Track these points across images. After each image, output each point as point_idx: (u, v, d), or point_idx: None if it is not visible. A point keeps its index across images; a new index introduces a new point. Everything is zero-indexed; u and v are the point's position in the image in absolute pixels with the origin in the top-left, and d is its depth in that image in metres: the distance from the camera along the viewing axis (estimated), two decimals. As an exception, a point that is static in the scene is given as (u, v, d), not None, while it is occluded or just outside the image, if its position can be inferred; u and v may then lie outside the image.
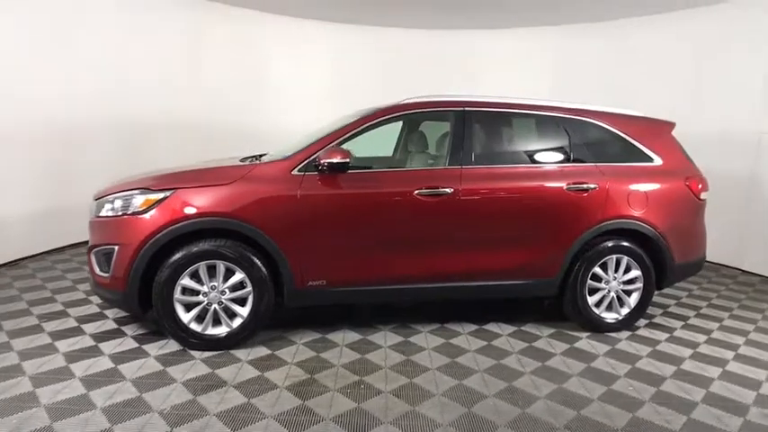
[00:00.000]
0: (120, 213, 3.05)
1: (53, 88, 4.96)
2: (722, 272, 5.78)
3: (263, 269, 3.14)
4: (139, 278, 3.00)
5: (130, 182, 3.21)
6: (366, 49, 7.33)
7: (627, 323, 3.80)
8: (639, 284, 3.75)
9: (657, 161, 3.82)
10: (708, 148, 5.22)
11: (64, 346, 3.16)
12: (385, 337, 3.51)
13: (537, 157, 3.68)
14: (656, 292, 3.94)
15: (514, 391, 2.86)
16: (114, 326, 3.50)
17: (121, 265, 3.00)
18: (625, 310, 3.77)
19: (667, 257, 3.76)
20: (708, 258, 6.08)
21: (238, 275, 3.12)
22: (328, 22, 7.08)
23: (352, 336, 3.51)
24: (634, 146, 3.79)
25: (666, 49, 6.23)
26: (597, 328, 3.74)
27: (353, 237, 3.28)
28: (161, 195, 3.02)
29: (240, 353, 3.18)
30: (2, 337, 3.23)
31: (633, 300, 3.77)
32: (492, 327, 3.79)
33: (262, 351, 3.22)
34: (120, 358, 3.03)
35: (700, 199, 3.89)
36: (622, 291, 3.75)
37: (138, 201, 3.02)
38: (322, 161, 3.15)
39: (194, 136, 6.36)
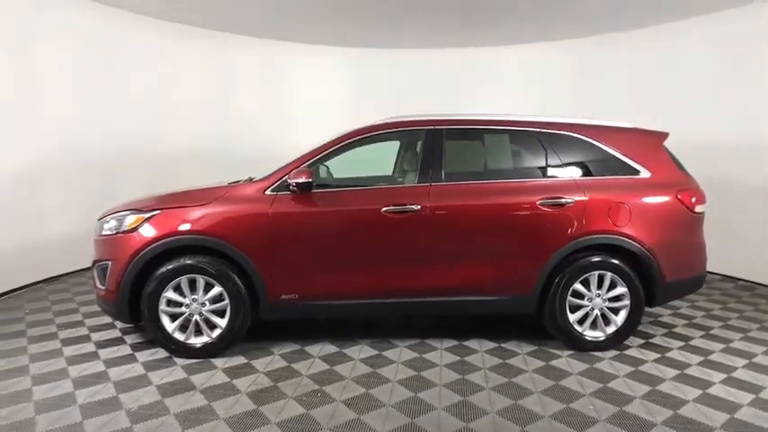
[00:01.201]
0: (114, 232, 3.42)
1: (92, 122, 5.58)
2: (758, 291, 5.37)
3: (239, 283, 3.39)
4: (129, 290, 3.33)
5: (126, 203, 3.60)
6: (382, 71, 7.58)
7: (614, 342, 3.67)
8: (626, 302, 3.62)
9: (645, 174, 3.70)
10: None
11: (69, 351, 3.56)
12: (360, 351, 3.62)
13: (510, 172, 3.69)
14: (669, 312, 3.76)
15: (468, 405, 2.88)
16: (118, 335, 3.87)
17: (114, 278, 3.35)
18: (611, 329, 3.65)
19: (656, 274, 3.61)
20: (742, 276, 5.75)
21: (217, 289, 3.39)
22: (345, 47, 7.40)
23: (329, 348, 3.66)
24: (617, 158, 3.71)
25: (687, 56, 5.99)
26: (580, 346, 3.64)
27: (323, 253, 3.46)
28: (147, 215, 3.37)
29: (219, 361, 3.42)
30: (20, 343, 3.69)
31: (620, 318, 3.64)
32: (472, 343, 3.79)
33: (239, 360, 3.44)
34: (112, 362, 3.37)
35: (694, 212, 3.71)
36: (608, 308, 3.64)
37: (129, 221, 3.38)
38: (289, 182, 3.37)
39: (223, 161, 6.84)
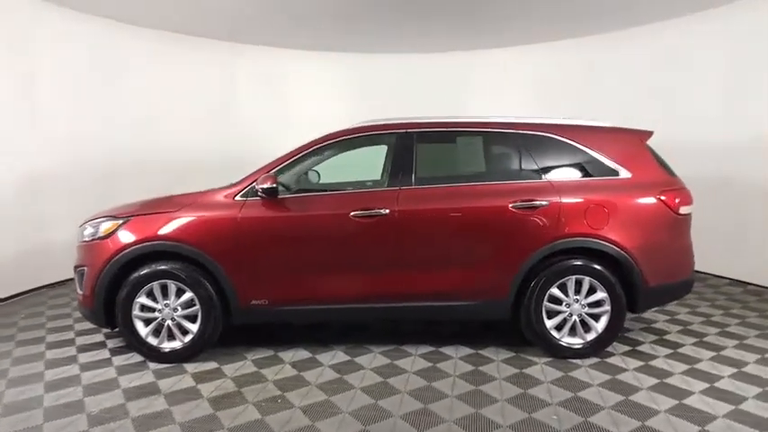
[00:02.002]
0: (90, 238, 3.51)
1: (95, 130, 5.77)
2: (766, 296, 5.10)
3: (210, 289, 3.42)
4: (103, 296, 3.40)
5: (106, 210, 3.69)
6: (384, 75, 7.58)
7: (595, 349, 3.54)
8: (606, 307, 3.49)
9: (625, 174, 3.57)
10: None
11: (51, 354, 3.66)
12: (332, 357, 3.60)
13: (483, 175, 3.62)
14: (665, 318, 3.58)
15: (427, 413, 2.82)
16: (101, 339, 3.96)
17: (89, 283, 3.44)
18: (592, 335, 3.52)
19: (637, 278, 3.47)
20: (752, 280, 5.47)
21: (188, 294, 3.43)
22: (347, 52, 7.44)
23: (302, 354, 3.65)
24: (596, 159, 3.59)
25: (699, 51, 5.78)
26: (558, 353, 3.53)
27: (292, 258, 3.46)
28: (121, 222, 3.44)
29: (190, 365, 3.46)
30: (8, 347, 3.82)
31: (601, 324, 3.51)
32: (449, 349, 3.72)
33: (210, 365, 3.47)
34: (87, 366, 3.45)
35: (678, 214, 3.55)
36: (588, 314, 3.51)
37: (103, 227, 3.47)
38: (256, 187, 3.40)
39: (226, 167, 6.92)
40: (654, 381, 3.20)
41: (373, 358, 3.58)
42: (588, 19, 6.09)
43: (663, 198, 3.52)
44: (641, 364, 3.46)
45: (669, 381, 3.20)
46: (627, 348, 3.73)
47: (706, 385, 3.13)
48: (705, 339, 3.91)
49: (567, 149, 3.62)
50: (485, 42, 7.09)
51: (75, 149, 5.61)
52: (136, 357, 3.57)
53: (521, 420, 2.74)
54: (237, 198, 3.47)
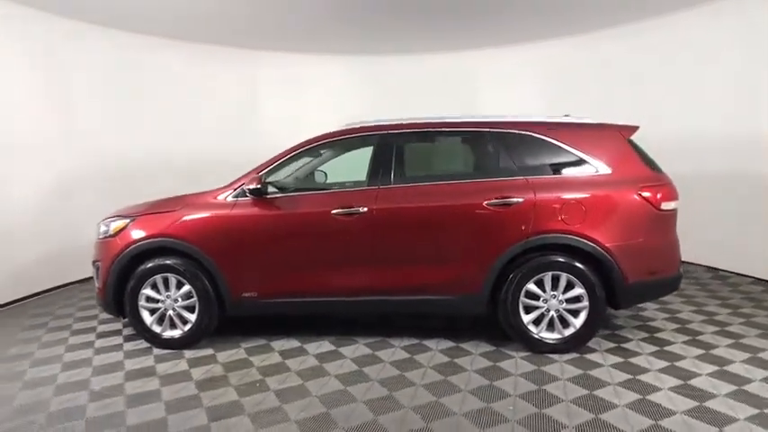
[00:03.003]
0: (103, 236, 3.91)
1: (121, 136, 6.27)
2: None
3: (206, 282, 3.73)
4: (113, 288, 3.78)
5: (117, 210, 4.08)
6: (397, 76, 7.74)
7: (573, 345, 3.56)
8: (585, 303, 3.51)
9: (604, 170, 3.57)
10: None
11: (73, 339, 4.10)
12: (318, 347, 3.82)
13: (461, 174, 3.72)
14: (665, 316, 3.55)
15: (390, 399, 2.98)
16: (119, 327, 4.37)
17: (102, 277, 3.83)
18: (570, 331, 3.55)
19: (616, 275, 3.47)
20: (761, 276, 5.23)
21: (186, 287, 3.75)
22: (357, 54, 7.64)
23: (292, 343, 3.90)
24: (574, 155, 3.61)
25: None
26: (536, 348, 3.58)
27: (279, 254, 3.70)
28: (127, 221, 3.82)
29: (189, 351, 3.78)
30: (38, 333, 4.31)
31: (580, 320, 3.53)
32: (431, 342, 3.85)
33: (206, 351, 3.78)
34: (101, 350, 3.85)
35: (660, 210, 3.52)
36: (567, 310, 3.54)
37: (113, 226, 3.85)
38: (244, 188, 3.67)
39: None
40: (626, 377, 3.20)
41: (356, 349, 3.76)
42: (600, 13, 5.99)
43: (643, 194, 3.49)
44: (620, 360, 3.46)
45: (642, 377, 3.19)
46: (612, 345, 3.72)
47: (679, 382, 3.10)
48: (698, 338, 3.83)
49: (546, 147, 3.65)
50: (499, 40, 7.11)
51: (103, 154, 6.09)
52: (144, 344, 3.94)
53: (476, 409, 2.84)
54: (230, 198, 3.76)
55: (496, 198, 3.53)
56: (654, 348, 3.64)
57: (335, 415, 2.82)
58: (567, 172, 3.62)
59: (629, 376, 3.20)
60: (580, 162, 3.60)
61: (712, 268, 5.91)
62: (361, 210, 3.60)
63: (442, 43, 7.23)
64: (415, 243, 3.61)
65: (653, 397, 2.93)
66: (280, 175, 3.86)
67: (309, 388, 3.16)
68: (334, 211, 3.62)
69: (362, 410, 2.86)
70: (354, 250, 3.65)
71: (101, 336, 4.18)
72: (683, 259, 3.78)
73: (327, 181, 4.62)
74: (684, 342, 3.75)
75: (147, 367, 3.53)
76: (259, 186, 3.62)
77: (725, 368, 3.29)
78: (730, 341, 3.75)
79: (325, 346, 3.84)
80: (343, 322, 4.29)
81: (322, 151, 3.98)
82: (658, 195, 3.51)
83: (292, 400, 3.00)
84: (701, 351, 3.58)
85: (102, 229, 3.93)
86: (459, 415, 2.79)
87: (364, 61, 7.69)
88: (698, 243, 5.55)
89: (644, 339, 3.83)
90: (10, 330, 4.36)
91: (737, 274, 5.64)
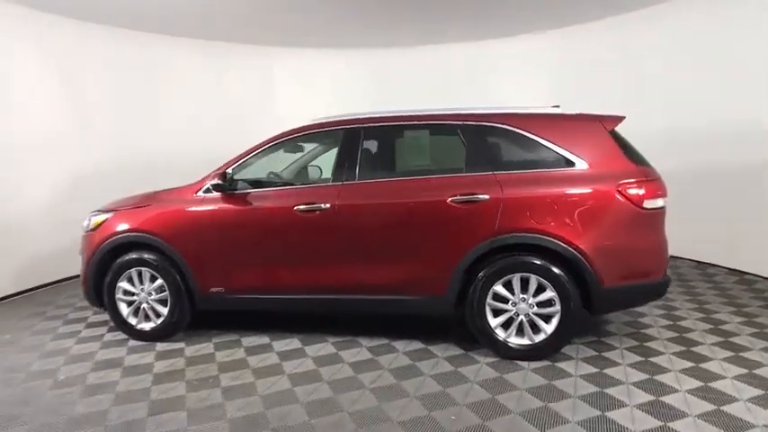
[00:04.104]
0: (86, 230, 4.05)
1: (136, 134, 6.50)
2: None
3: (177, 276, 3.78)
4: (93, 280, 3.91)
5: (103, 205, 4.21)
6: (407, 68, 7.58)
7: (544, 351, 3.33)
8: (556, 308, 3.27)
9: (581, 165, 3.30)
10: None
11: (63, 329, 4.27)
12: (286, 344, 3.78)
13: (428, 169, 3.56)
14: (666, 323, 3.26)
15: (330, 402, 2.89)
16: (108, 318, 4.51)
17: (84, 269, 3.97)
18: (541, 337, 3.32)
19: (590, 278, 3.20)
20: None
21: (159, 281, 3.82)
22: (366, 48, 7.54)
23: (262, 340, 3.88)
24: (548, 149, 3.36)
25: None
26: (504, 353, 3.38)
27: (243, 250, 3.69)
28: (106, 216, 3.93)
29: (162, 344, 3.85)
30: (33, 321, 4.54)
31: (552, 325, 3.29)
32: (399, 342, 3.73)
33: (177, 345, 3.83)
34: (81, 340, 4.00)
35: (642, 208, 3.21)
36: (538, 314, 3.31)
37: (94, 220, 3.98)
38: (208, 184, 3.68)
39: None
40: (592, 389, 2.95)
41: (322, 348, 3.70)
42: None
43: (622, 190, 3.20)
44: (594, 371, 3.19)
45: (609, 390, 2.93)
46: (592, 353, 3.46)
47: (649, 399, 2.82)
48: (694, 349, 3.48)
49: (519, 140, 3.43)
50: (510, 29, 6.80)
51: (116, 152, 6.31)
52: (123, 335, 4.04)
53: (416, 417, 2.71)
54: (199, 194, 3.78)
55: (461, 195, 3.34)
56: (637, 359, 3.34)
57: (271, 415, 2.77)
58: (540, 167, 3.37)
59: (596, 389, 2.95)
60: (554, 156, 3.34)
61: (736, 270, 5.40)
62: (323, 206, 3.52)
63: (455, 33, 6.99)
64: (377, 241, 3.49)
65: (614, 414, 2.67)
66: (248, 171, 3.84)
67: (258, 386, 3.13)
68: (296, 207, 3.57)
69: (299, 412, 2.79)
70: (318, 247, 3.58)
71: (89, 326, 4.35)
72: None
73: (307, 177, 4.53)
74: (675, 353, 3.41)
75: (116, 358, 3.62)
76: (220, 182, 3.62)
77: (709, 385, 2.97)
78: (728, 354, 3.38)
79: (293, 343, 3.80)
80: (328, 320, 4.23)
81: (288, 147, 3.92)
82: (641, 192, 3.20)
83: (236, 398, 2.98)
84: (690, 364, 3.25)
85: (85, 223, 4.07)
86: (396, 422, 2.66)
87: (372, 54, 7.58)
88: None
89: (631, 348, 3.53)
90: (12, 317, 4.62)
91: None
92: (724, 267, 5.60)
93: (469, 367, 3.30)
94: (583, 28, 6.60)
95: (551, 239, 3.21)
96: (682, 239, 6.02)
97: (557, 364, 3.30)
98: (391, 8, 5.81)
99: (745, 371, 3.13)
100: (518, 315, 3.34)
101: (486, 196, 3.31)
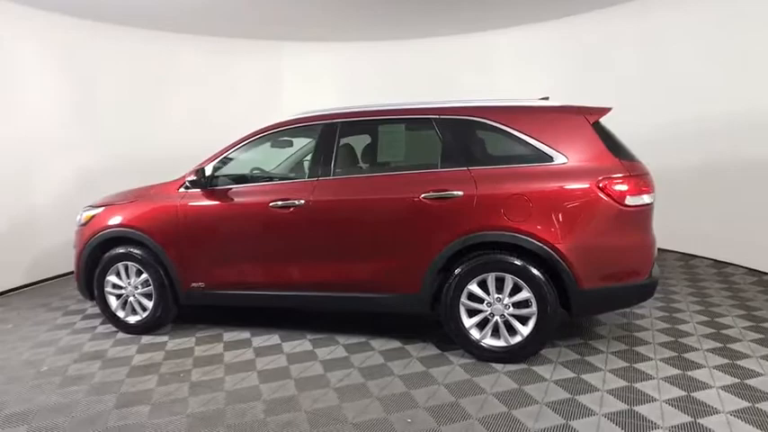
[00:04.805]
0: (78, 225, 4.16)
1: (145, 130, 6.65)
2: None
3: (161, 271, 3.84)
4: (84, 274, 4.02)
5: (96, 200, 4.32)
6: (416, 61, 7.45)
7: (522, 353, 3.20)
8: (533, 309, 3.13)
9: (560, 160, 3.14)
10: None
11: (60, 320, 4.42)
12: (265, 340, 3.78)
13: (403, 164, 3.46)
14: (664, 327, 3.13)
15: (291, 399, 2.87)
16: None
17: (76, 263, 4.09)
18: (517, 339, 3.19)
19: (567, 279, 3.05)
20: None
21: (144, 275, 3.89)
22: (373, 41, 7.45)
23: (242, 335, 3.89)
24: (527, 143, 3.21)
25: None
26: (478, 355, 3.27)
27: (221, 246, 3.70)
28: (96, 211, 4.03)
29: (147, 338, 3.92)
30: (38, 313, 4.72)
31: (528, 327, 3.16)
32: (378, 341, 3.67)
33: (161, 339, 3.89)
34: (75, 331, 4.12)
35: (624, 205, 3.02)
36: (514, 315, 3.19)
37: (84, 215, 4.09)
38: (185, 180, 3.71)
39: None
40: (563, 396, 2.81)
41: (299, 345, 3.67)
42: None
43: (603, 186, 3.02)
44: (571, 376, 3.05)
45: (581, 398, 2.79)
46: (574, 357, 3.30)
47: (623, 408, 2.67)
48: (685, 355, 3.28)
49: (495, 134, 3.29)
50: (515, 20, 6.57)
51: (124, 149, 6.45)
52: (113, 328, 4.14)
53: (372, 419, 2.65)
54: (180, 190, 3.82)
55: (434, 191, 3.24)
56: (621, 365, 3.17)
57: (230, 412, 2.77)
58: (517, 162, 3.23)
59: (567, 396, 2.81)
60: (532, 150, 3.19)
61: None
62: (297, 202, 3.49)
63: (466, 24, 6.82)
64: (351, 238, 3.44)
65: (578, 423, 2.54)
66: (230, 167, 3.84)
67: (226, 382, 3.14)
68: (272, 204, 3.55)
69: (258, 410, 2.78)
70: (293, 244, 3.55)
71: (85, 318, 4.48)
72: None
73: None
74: (663, 359, 3.22)
75: (100, 351, 3.71)
76: (195, 179, 3.64)
77: (693, 395, 2.78)
78: (723, 361, 3.16)
79: (272, 339, 3.80)
80: (314, 316, 4.21)
81: (266, 142, 3.89)
82: (622, 188, 3.02)
83: (202, 393, 3.00)
84: (676, 371, 3.05)
85: (78, 218, 4.19)
86: (350, 423, 2.61)
87: (380, 47, 7.49)
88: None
89: (618, 353, 3.34)
90: (19, 308, 4.82)
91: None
92: (743, 267, 5.26)
93: (441, 368, 3.21)
94: (588, 16, 6.32)
95: (526, 238, 3.07)
96: (697, 237, 5.74)
97: (533, 367, 3.17)
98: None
99: (735, 381, 2.92)
100: (493, 316, 3.22)
101: (460, 192, 3.19)
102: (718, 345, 3.42)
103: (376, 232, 3.38)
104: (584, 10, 6.24)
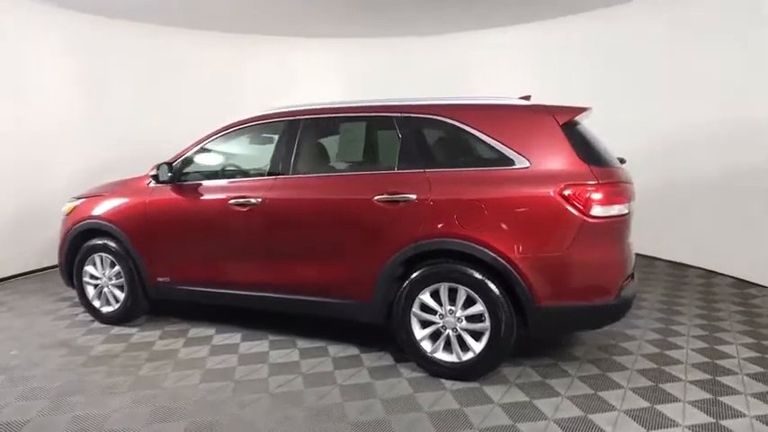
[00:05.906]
0: (63, 215, 4.28)
1: (151, 123, 6.78)
2: None
3: (131, 263, 3.88)
4: (65, 262, 4.14)
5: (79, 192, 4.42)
6: (420, 57, 7.26)
7: (473, 370, 2.97)
8: (487, 323, 2.89)
9: (521, 164, 2.88)
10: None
11: (54, 307, 4.57)
12: (226, 338, 3.73)
13: (361, 164, 3.30)
14: (652, 351, 2.85)
15: (223, 404, 2.79)
16: (95, 299, 4.77)
17: (59, 252, 4.21)
18: (469, 355, 2.96)
19: (522, 293, 2.79)
20: None
21: (117, 267, 3.95)
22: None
23: (207, 332, 3.86)
24: (487, 144, 2.97)
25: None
26: (431, 370, 3.07)
27: (184, 241, 3.68)
28: (77, 203, 4.13)
29: (117, 328, 3.97)
30: (36, 301, 4.91)
31: (482, 343, 2.93)
32: (336, 346, 3.53)
33: (130, 330, 3.92)
34: (60, 317, 4.25)
35: (590, 216, 2.72)
36: (467, 330, 2.96)
37: (67, 206, 4.20)
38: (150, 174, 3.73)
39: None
40: (503, 422, 2.57)
41: (257, 345, 3.60)
42: None
43: (565, 194, 2.74)
44: (523, 400, 2.79)
45: (523, 425, 2.54)
46: (536, 379, 3.03)
47: (561, 440, 2.40)
48: (663, 386, 2.93)
49: (454, 134, 3.07)
50: (519, 18, 6.23)
51: (132, 140, 6.60)
52: (90, 316, 4.23)
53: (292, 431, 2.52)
54: (151, 185, 3.84)
55: (387, 194, 3.06)
56: (583, 391, 2.87)
57: (159, 411, 2.73)
58: (475, 165, 3.00)
59: (508, 422, 2.57)
60: (492, 152, 2.95)
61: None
62: (253, 200, 3.41)
63: (470, 22, 6.54)
64: (304, 239, 3.32)
65: (503, 453, 2.30)
66: (195, 163, 3.82)
67: (169, 379, 3.11)
68: (231, 201, 3.49)
69: (186, 411, 2.72)
70: (251, 243, 3.48)
71: (74, 305, 4.58)
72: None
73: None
74: (637, 389, 2.88)
75: (69, 339, 3.79)
76: (156, 174, 3.64)
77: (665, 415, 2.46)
78: (708, 397, 2.79)
79: (233, 338, 3.75)
80: (285, 317, 4.14)
81: (233, 138, 3.82)
82: (588, 197, 2.72)
83: (142, 389, 2.98)
84: (643, 404, 2.72)
85: (63, 209, 4.31)
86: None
87: (385, 44, 7.33)
88: None
89: (586, 377, 3.04)
90: (20, 292, 5.05)
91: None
92: (770, 288, 4.71)
93: (387, 381, 3.04)
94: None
95: (479, 247, 2.84)
96: (719, 253, 5.19)
97: (484, 387, 2.93)
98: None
99: (708, 420, 2.56)
100: (445, 329, 3.00)
101: (413, 196, 3.00)
102: (707, 377, 3.04)
103: (328, 234, 3.25)
104: (587, 8, 5.86)
